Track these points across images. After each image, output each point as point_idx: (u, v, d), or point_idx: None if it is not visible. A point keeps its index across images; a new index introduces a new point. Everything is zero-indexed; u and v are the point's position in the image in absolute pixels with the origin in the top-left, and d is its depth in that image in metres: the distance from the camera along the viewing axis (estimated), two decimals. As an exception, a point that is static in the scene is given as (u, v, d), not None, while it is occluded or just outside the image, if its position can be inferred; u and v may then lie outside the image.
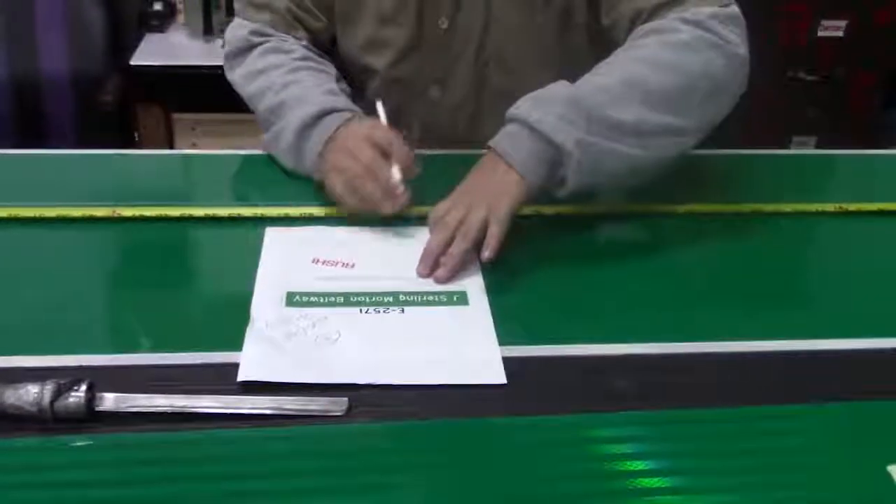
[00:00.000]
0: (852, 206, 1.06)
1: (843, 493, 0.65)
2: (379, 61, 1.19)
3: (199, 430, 0.69)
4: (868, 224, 1.05)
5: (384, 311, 0.82)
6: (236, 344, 0.77)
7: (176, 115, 2.46)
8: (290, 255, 0.90)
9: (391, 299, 0.84)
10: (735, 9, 1.03)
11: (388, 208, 0.94)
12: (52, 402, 0.67)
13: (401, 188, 0.93)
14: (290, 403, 0.71)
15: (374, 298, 0.84)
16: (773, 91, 2.20)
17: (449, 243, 0.89)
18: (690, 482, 0.66)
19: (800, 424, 0.72)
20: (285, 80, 1.09)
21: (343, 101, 1.08)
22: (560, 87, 0.95)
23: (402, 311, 0.83)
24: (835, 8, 2.23)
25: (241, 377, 0.73)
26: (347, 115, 1.04)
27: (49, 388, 0.67)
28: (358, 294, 0.84)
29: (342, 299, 0.84)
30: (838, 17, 2.23)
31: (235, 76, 1.16)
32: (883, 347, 0.82)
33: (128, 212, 0.97)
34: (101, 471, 0.66)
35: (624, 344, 0.80)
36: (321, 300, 0.83)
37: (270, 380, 0.73)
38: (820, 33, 2.25)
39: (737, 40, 1.00)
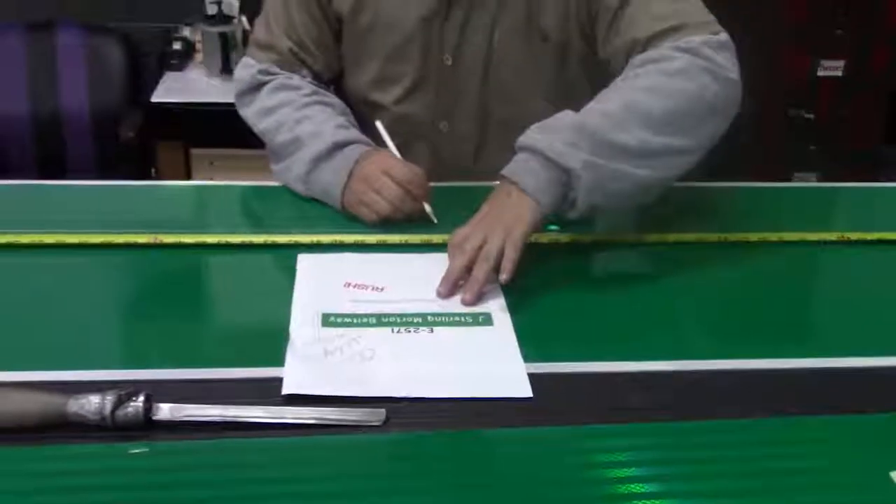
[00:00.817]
0: (854, 235, 1.11)
1: (847, 498, 0.70)
2: (387, 97, 1.26)
3: (247, 438, 0.74)
4: (868, 252, 1.11)
5: (414, 331, 0.88)
6: (277, 360, 0.82)
7: (194, 151, 2.53)
8: (323, 280, 0.96)
9: (420, 320, 0.89)
10: (725, 36, 1.10)
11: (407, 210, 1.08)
12: (112, 412, 0.72)
13: (432, 218, 1.07)
14: (330, 414, 0.76)
15: (404, 319, 0.89)
16: (775, 130, 2.28)
17: (468, 267, 0.94)
18: (699, 487, 0.71)
19: (804, 435, 0.77)
20: (297, 116, 1.17)
21: (354, 133, 1.16)
22: (565, 116, 1.01)
23: (432, 330, 0.88)
24: (833, 49, 2.30)
25: (285, 391, 0.78)
26: (363, 147, 1.13)
27: (110, 398, 0.73)
28: (389, 315, 0.90)
29: (374, 320, 0.89)
30: (837, 58, 2.31)
31: (248, 113, 1.24)
32: (882, 365, 0.87)
33: (168, 238, 1.03)
34: (157, 476, 0.71)
35: (636, 362, 0.85)
36: (355, 321, 0.89)
37: (312, 393, 0.78)
38: (819, 73, 2.33)
39: (728, 65, 1.07)
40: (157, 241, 1.02)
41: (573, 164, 0.97)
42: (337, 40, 1.27)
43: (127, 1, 2.66)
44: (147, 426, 0.73)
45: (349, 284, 0.95)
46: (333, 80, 1.31)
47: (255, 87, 1.24)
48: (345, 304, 0.92)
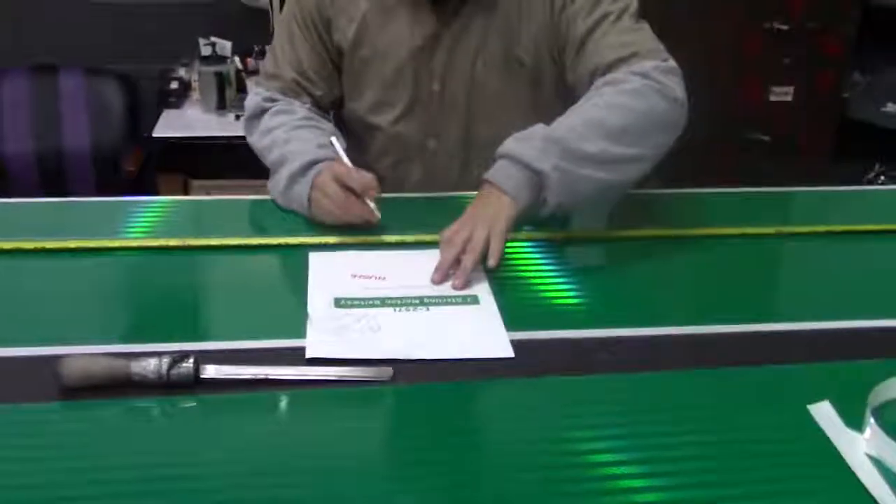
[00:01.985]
0: (787, 229, 1.29)
1: (767, 431, 0.86)
2: (383, 120, 1.44)
3: (279, 392, 0.89)
4: (797, 242, 1.29)
5: (413, 310, 1.04)
6: (298, 334, 0.98)
7: (193, 182, 2.68)
8: (333, 272, 1.12)
9: (418, 301, 1.06)
10: (673, 63, 1.29)
11: (370, 225, 1.19)
12: (168, 371, 0.88)
13: (377, 214, 1.19)
14: (346, 372, 0.92)
15: (404, 301, 1.05)
16: (734, 150, 2.47)
17: (458, 258, 1.10)
18: (644, 429, 0.86)
19: (732, 382, 0.93)
20: (287, 136, 1.32)
21: (327, 153, 1.28)
22: (537, 128, 1.19)
23: (428, 309, 1.04)
24: (783, 77, 2.51)
25: (309, 355, 0.94)
26: (331, 164, 1.25)
27: (165, 360, 0.88)
28: (391, 298, 1.06)
29: (379, 302, 1.05)
30: (786, 85, 2.51)
31: (253, 137, 1.40)
32: (801, 329, 1.05)
33: (195, 242, 1.19)
34: (205, 422, 0.86)
35: (600, 329, 1.02)
36: (363, 303, 1.05)
37: (331, 356, 0.94)
38: (772, 98, 2.53)
39: (675, 87, 1.25)
40: (186, 245, 1.18)
41: (544, 167, 1.14)
42: (337, 71, 1.44)
43: (125, 44, 2.82)
44: (196, 384, 0.88)
45: (356, 275, 1.11)
46: (334, 105, 1.48)
47: (260, 113, 1.40)
48: (354, 290, 1.08)
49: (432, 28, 1.37)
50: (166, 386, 0.88)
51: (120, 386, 0.87)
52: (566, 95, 1.36)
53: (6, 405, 0.85)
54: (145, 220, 1.28)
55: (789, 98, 2.52)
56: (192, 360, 0.89)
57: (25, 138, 2.79)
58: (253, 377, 0.90)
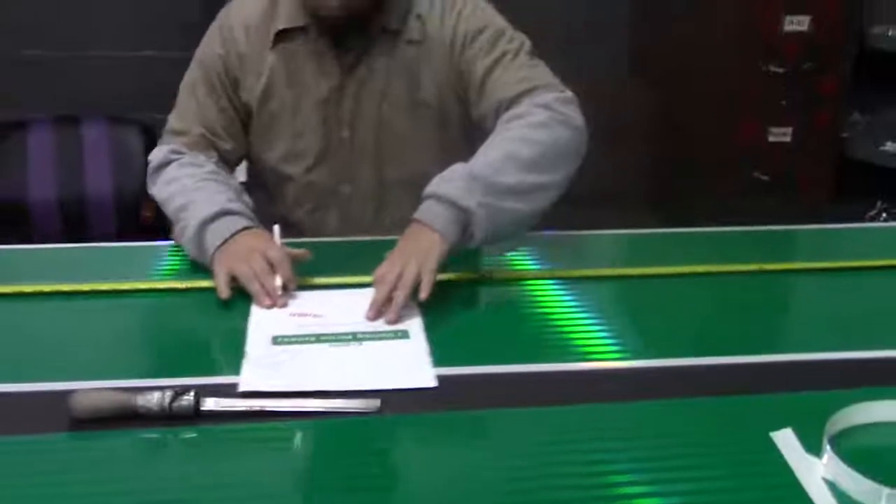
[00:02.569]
0: (770, 266, 1.34)
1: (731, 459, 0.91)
2: (295, 169, 1.50)
3: (275, 422, 0.95)
4: (773, 278, 1.34)
5: (347, 345, 1.10)
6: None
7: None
8: (273, 312, 1.18)
9: (351, 337, 1.12)
10: (570, 94, 1.39)
11: (264, 305, 1.18)
12: (170, 404, 0.94)
13: (279, 292, 1.19)
14: (337, 404, 0.98)
15: (338, 337, 1.12)
16: (733, 191, 2.53)
17: (390, 295, 1.16)
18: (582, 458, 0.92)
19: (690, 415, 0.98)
20: (195, 185, 1.35)
21: (239, 207, 1.31)
22: (458, 167, 1.25)
23: (360, 344, 1.11)
24: (781, 118, 2.57)
25: (241, 389, 1.00)
26: (244, 220, 1.29)
27: (168, 394, 0.95)
28: (326, 334, 1.12)
29: (314, 338, 1.12)
30: (784, 125, 2.57)
31: (155, 187, 1.41)
32: (765, 361, 1.10)
33: (164, 285, 1.27)
34: (205, 452, 0.93)
35: (525, 364, 1.08)
36: (299, 339, 1.11)
37: (264, 390, 0.99)
38: (770, 139, 2.59)
39: (575, 116, 1.36)
40: (187, 287, 1.26)
41: (470, 205, 1.21)
42: (244, 127, 1.49)
43: (146, 94, 2.92)
44: (196, 416, 0.95)
45: (294, 314, 1.18)
46: (241, 160, 1.53)
47: (165, 164, 1.42)
48: (291, 328, 1.14)
49: (337, 78, 1.44)
50: (169, 418, 0.94)
51: (126, 418, 0.94)
52: (472, 133, 1.45)
53: (20, 437, 0.92)
54: (162, 263, 1.37)
55: (788, 139, 2.58)
56: (192, 394, 0.95)
57: (49, 186, 2.88)
58: (250, 409, 0.96)
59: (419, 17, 1.44)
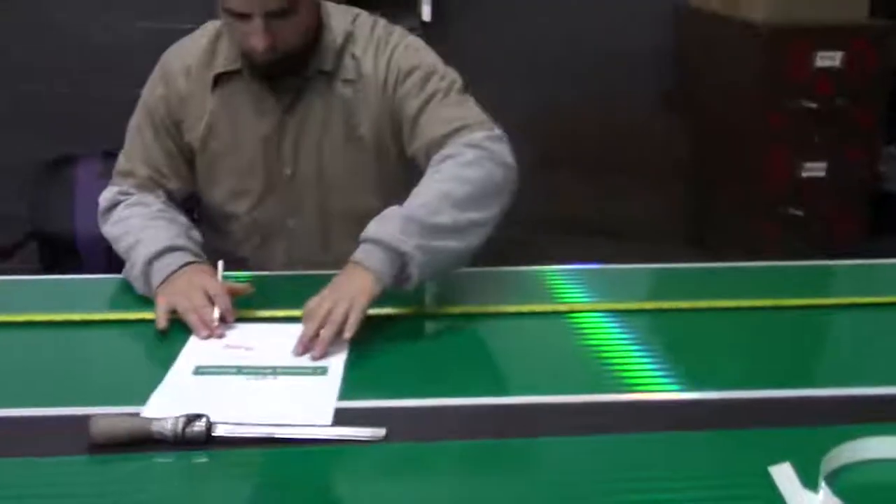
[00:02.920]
0: (788, 302, 1.35)
1: (730, 490, 0.92)
2: (240, 207, 1.54)
3: (283, 448, 0.99)
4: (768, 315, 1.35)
5: (262, 378, 1.14)
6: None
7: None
8: (210, 342, 1.23)
9: (270, 371, 1.15)
10: (499, 131, 1.42)
11: (201, 335, 1.24)
12: (183, 430, 0.98)
13: (216, 323, 1.25)
14: (344, 432, 1.01)
15: (257, 370, 1.16)
16: (768, 224, 2.52)
17: (318, 331, 1.19)
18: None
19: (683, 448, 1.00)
20: (143, 224, 1.41)
21: (184, 242, 1.37)
22: (394, 210, 1.28)
23: (276, 378, 1.14)
24: (814, 153, 2.56)
25: (143, 414, 1.03)
26: (188, 256, 1.35)
27: (181, 420, 0.99)
28: (247, 367, 1.16)
29: (235, 370, 1.16)
30: (818, 160, 2.56)
31: (105, 227, 1.48)
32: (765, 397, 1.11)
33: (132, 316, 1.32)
34: (216, 475, 0.97)
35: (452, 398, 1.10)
36: (219, 370, 1.16)
37: (166, 415, 1.00)
38: (804, 174, 2.58)
39: (505, 153, 1.39)
40: (134, 318, 1.28)
41: (407, 249, 1.23)
42: (190, 166, 1.54)
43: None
44: (207, 441, 0.99)
45: (228, 346, 1.22)
46: (189, 197, 1.58)
47: (114, 206, 1.49)
48: (218, 359, 1.18)
49: (277, 117, 1.48)
50: (182, 443, 0.98)
51: (141, 443, 0.98)
52: (410, 166, 1.49)
53: (42, 458, 0.97)
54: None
55: (822, 174, 2.57)
56: (204, 420, 0.99)
57: (95, 220, 2.98)
58: (258, 436, 1.00)
59: (353, 56, 1.48)
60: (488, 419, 1.07)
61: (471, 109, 1.45)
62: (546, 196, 2.76)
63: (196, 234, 1.46)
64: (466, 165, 1.34)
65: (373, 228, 1.26)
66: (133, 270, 1.37)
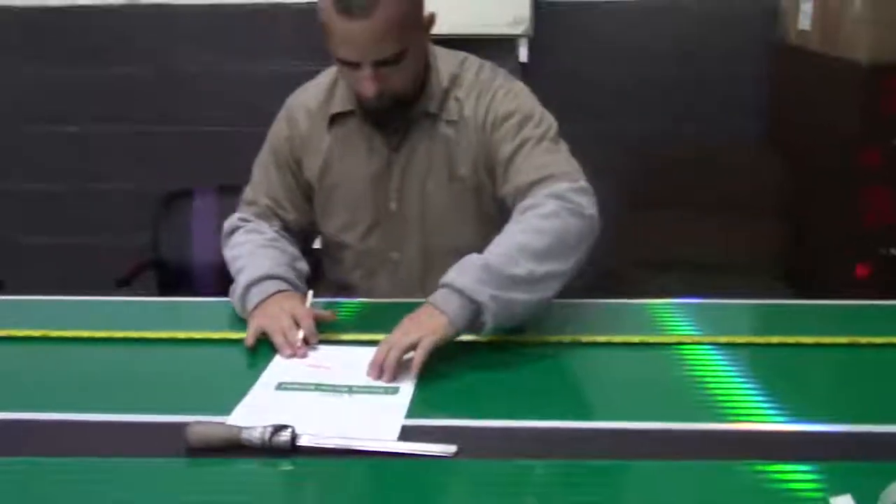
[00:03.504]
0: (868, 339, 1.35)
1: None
2: (350, 238, 1.65)
3: (361, 460, 1.07)
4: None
5: (338, 395, 1.23)
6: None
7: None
8: (293, 361, 1.34)
9: (346, 389, 1.24)
10: (584, 183, 1.45)
11: (285, 354, 1.34)
12: (270, 439, 1.07)
13: (299, 344, 1.35)
14: (417, 448, 1.07)
15: (335, 387, 1.25)
16: (861, 265, 2.47)
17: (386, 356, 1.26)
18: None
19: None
20: (252, 252, 1.53)
21: (284, 272, 1.48)
22: (473, 258, 1.33)
23: (350, 395, 1.23)
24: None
25: (228, 422, 1.11)
26: (282, 285, 1.46)
27: (269, 429, 1.07)
28: (325, 384, 1.26)
29: (314, 387, 1.25)
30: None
31: (224, 250, 1.61)
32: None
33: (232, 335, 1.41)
34: (299, 482, 1.05)
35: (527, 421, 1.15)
36: (300, 387, 1.25)
37: (246, 425, 1.09)
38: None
39: (587, 205, 1.41)
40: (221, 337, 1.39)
41: (482, 298, 1.29)
42: (307, 199, 1.65)
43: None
44: (292, 450, 1.07)
45: (310, 365, 1.32)
46: (305, 229, 1.69)
47: (234, 231, 1.62)
48: (299, 377, 1.28)
49: (385, 155, 1.58)
50: (269, 451, 1.07)
51: (232, 449, 1.08)
52: (504, 204, 1.53)
53: (143, 459, 1.07)
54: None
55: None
56: (289, 431, 1.08)
57: (210, 249, 3.13)
58: (338, 447, 1.08)
59: (457, 99, 1.56)
60: (569, 441, 1.11)
61: (560, 158, 1.50)
62: (640, 231, 2.79)
63: (303, 264, 1.59)
64: (546, 217, 1.38)
65: (452, 275, 1.33)
66: (235, 293, 1.49)
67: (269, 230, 1.62)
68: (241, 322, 1.47)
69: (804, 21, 2.78)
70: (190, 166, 3.16)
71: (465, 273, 1.32)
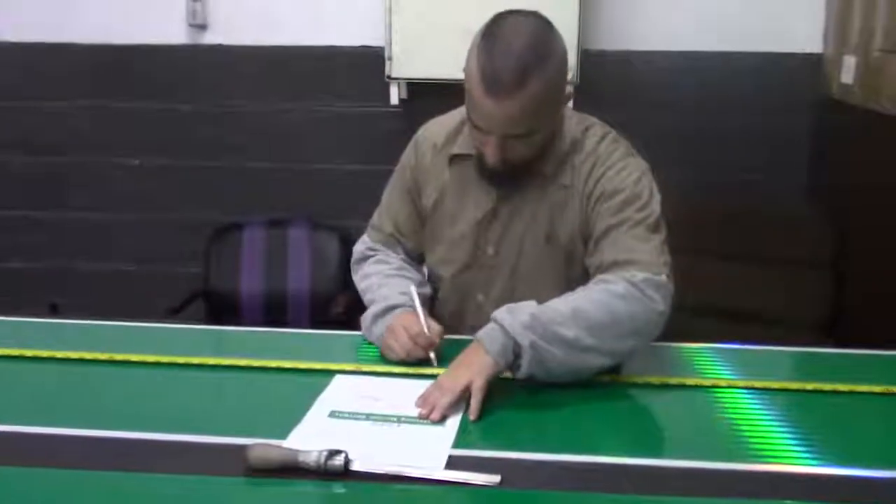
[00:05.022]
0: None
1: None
2: (447, 271, 1.72)
3: (410, 485, 1.13)
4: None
5: (388, 425, 1.29)
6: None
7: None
8: (346, 391, 1.41)
9: (394, 419, 1.31)
10: (663, 278, 1.45)
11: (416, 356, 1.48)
12: (325, 462, 1.13)
13: (433, 361, 1.48)
14: (462, 476, 1.13)
15: (385, 417, 1.31)
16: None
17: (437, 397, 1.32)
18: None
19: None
20: (380, 282, 1.65)
21: (405, 300, 1.57)
22: (530, 304, 1.39)
23: (399, 426, 1.29)
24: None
25: (285, 445, 1.18)
26: (407, 310, 1.54)
27: (324, 453, 1.14)
28: (375, 414, 1.32)
29: (364, 416, 1.31)
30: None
31: (356, 278, 1.73)
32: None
33: (288, 364, 1.50)
34: (352, 502, 1.11)
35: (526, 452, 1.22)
36: (351, 416, 1.32)
37: (301, 448, 1.15)
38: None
39: (658, 299, 1.42)
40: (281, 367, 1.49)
41: (523, 342, 1.35)
42: (424, 228, 1.73)
43: (344, 202, 3.26)
44: (345, 473, 1.14)
45: (361, 395, 1.39)
46: (422, 257, 1.77)
47: (363, 259, 1.75)
48: (351, 406, 1.35)
49: (493, 202, 1.63)
50: (323, 474, 1.13)
51: (289, 470, 1.14)
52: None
53: (206, 476, 1.14)
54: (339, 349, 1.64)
55: None
56: (343, 455, 1.14)
57: (258, 281, 3.25)
58: (390, 473, 1.14)
59: (574, 166, 1.59)
60: (607, 475, 1.16)
61: (650, 247, 1.49)
62: (683, 280, 2.82)
63: (426, 290, 1.70)
64: (613, 295, 1.41)
65: (502, 313, 1.39)
66: (365, 322, 1.61)
67: (395, 259, 1.73)
68: (290, 351, 1.55)
69: (846, 75, 2.82)
70: (241, 200, 3.27)
71: (516, 314, 1.38)
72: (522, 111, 1.43)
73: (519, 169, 1.56)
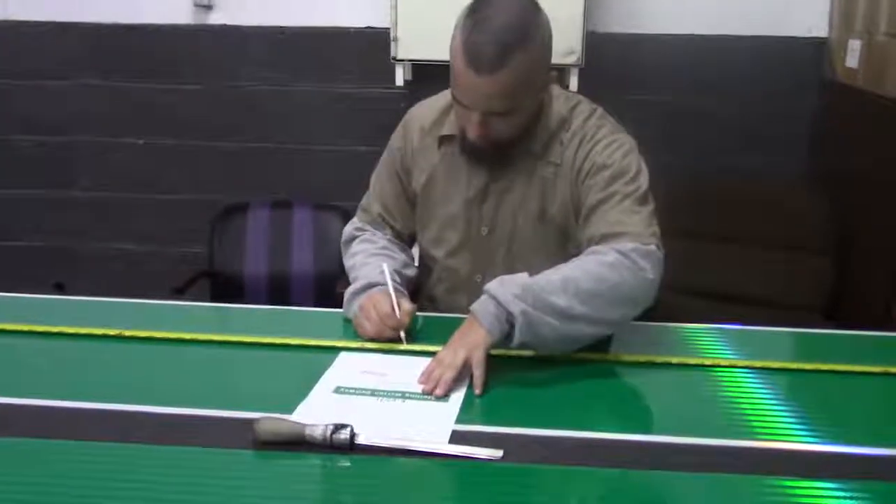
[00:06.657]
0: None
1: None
2: (439, 253, 1.74)
3: (415, 459, 1.15)
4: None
5: (392, 401, 1.31)
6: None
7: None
8: (350, 367, 1.43)
9: (400, 395, 1.33)
10: (652, 247, 1.47)
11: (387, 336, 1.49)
12: (331, 436, 1.15)
13: (403, 340, 1.49)
14: (465, 450, 1.16)
15: (389, 393, 1.34)
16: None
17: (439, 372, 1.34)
18: None
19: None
20: (363, 261, 1.66)
21: (384, 279, 1.56)
22: (521, 276, 1.41)
23: (404, 402, 1.31)
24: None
25: (292, 419, 1.21)
26: (384, 289, 1.54)
27: (330, 427, 1.16)
28: (380, 390, 1.34)
29: (369, 392, 1.34)
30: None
31: (345, 258, 1.75)
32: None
33: (294, 341, 1.52)
34: (356, 476, 1.13)
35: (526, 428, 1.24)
36: (356, 391, 1.34)
37: (308, 422, 1.18)
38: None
39: (648, 268, 1.44)
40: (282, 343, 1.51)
41: (514, 310, 1.36)
42: (413, 209, 1.75)
43: (348, 184, 3.27)
44: (351, 448, 1.16)
45: (365, 371, 1.41)
46: (412, 237, 1.80)
47: (352, 239, 1.77)
48: (355, 382, 1.37)
49: (483, 182, 1.65)
50: (329, 447, 1.16)
51: (296, 443, 1.17)
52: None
53: (215, 449, 1.16)
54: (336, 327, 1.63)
55: None
56: (349, 429, 1.16)
57: (262, 262, 3.26)
58: (395, 447, 1.16)
59: (561, 142, 1.61)
60: (607, 451, 1.19)
61: (639, 219, 1.51)
62: (684, 263, 2.83)
63: (411, 271, 1.72)
64: (604, 265, 1.43)
65: (494, 285, 1.41)
66: (344, 300, 1.63)
67: (381, 239, 1.74)
68: (295, 329, 1.57)
69: (851, 59, 2.82)
70: (246, 180, 3.28)
71: (508, 285, 1.40)
72: (503, 88, 1.45)
73: (503, 147, 1.58)
